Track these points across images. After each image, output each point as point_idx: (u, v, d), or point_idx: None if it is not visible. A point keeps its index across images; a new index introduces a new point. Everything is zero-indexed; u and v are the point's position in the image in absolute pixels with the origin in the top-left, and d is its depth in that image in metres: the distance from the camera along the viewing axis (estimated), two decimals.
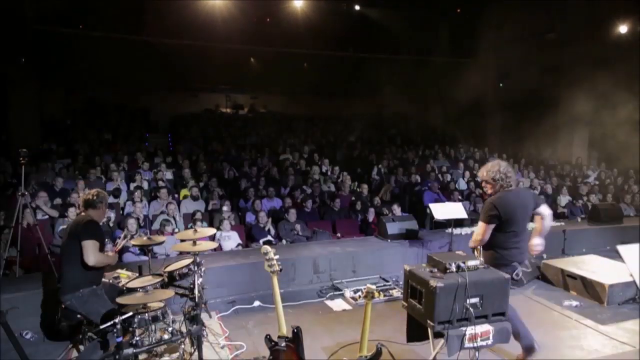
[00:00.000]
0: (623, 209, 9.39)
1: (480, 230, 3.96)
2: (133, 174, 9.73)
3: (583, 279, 5.87)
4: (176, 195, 9.09)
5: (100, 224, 4.22)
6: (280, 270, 3.66)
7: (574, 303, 5.61)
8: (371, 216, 8.58)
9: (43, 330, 4.71)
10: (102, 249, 4.03)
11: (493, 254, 3.97)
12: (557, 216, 9.54)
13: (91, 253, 3.83)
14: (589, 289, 5.77)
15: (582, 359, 4.33)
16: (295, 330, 3.60)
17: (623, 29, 13.44)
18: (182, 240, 4.95)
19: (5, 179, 9.16)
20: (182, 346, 3.87)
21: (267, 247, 3.73)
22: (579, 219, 9.06)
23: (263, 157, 12.03)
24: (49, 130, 13.15)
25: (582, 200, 10.32)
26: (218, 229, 7.13)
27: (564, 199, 10.50)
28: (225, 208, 7.99)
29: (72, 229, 4.00)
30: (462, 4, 17.33)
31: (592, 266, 6.25)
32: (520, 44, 16.40)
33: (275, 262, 3.65)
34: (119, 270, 4.68)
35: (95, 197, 4.06)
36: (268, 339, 3.65)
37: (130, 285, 4.08)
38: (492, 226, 3.89)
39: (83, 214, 4.09)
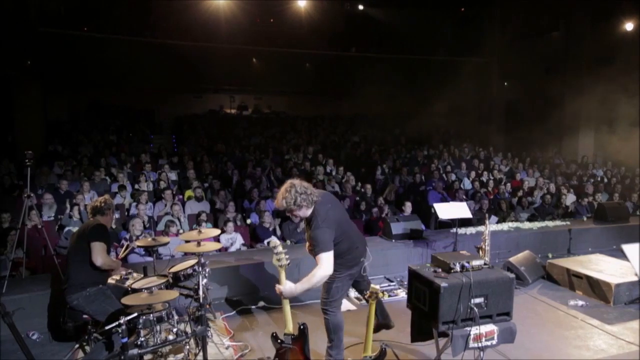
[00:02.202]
0: (630, 208, 9.33)
1: (330, 261, 3.49)
2: (138, 175, 9.78)
3: (589, 279, 5.83)
4: (180, 196, 9.11)
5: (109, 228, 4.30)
6: (288, 264, 3.61)
7: (580, 303, 5.58)
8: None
9: (50, 331, 4.75)
10: (108, 252, 4.11)
11: (345, 259, 3.69)
12: (562, 215, 9.52)
13: (99, 254, 3.92)
14: (595, 289, 5.73)
15: (588, 359, 4.31)
16: (302, 327, 3.59)
17: (629, 26, 13.35)
18: (186, 241, 4.96)
19: (12, 180, 9.22)
20: (187, 347, 3.89)
21: (276, 241, 3.68)
22: (585, 218, 9.00)
23: (267, 158, 12.05)
24: (54, 132, 13.23)
25: (588, 199, 10.27)
26: (222, 230, 7.13)
27: (569, 198, 10.44)
28: (230, 209, 8.01)
29: (81, 231, 4.12)
30: (466, 3, 17.30)
31: (598, 265, 6.21)
32: (525, 43, 16.36)
33: (283, 256, 3.58)
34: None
35: (103, 204, 4.20)
36: (274, 336, 3.65)
37: (135, 286, 4.11)
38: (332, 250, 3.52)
39: (91, 219, 4.19)
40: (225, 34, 15.01)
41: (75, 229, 5.89)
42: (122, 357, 3.25)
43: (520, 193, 10.35)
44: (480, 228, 7.07)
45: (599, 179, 12.39)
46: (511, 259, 6.36)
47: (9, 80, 12.22)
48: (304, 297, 5.76)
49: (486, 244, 5.74)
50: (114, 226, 7.14)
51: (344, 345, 3.79)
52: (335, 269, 3.59)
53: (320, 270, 3.45)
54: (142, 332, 3.58)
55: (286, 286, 3.51)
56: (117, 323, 3.25)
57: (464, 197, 9.78)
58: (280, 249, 3.58)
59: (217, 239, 6.52)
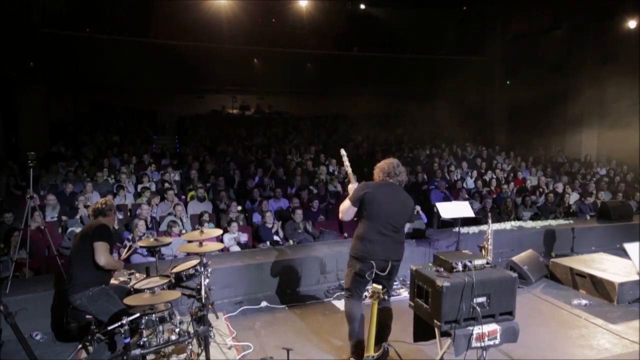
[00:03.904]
0: (633, 207, 9.28)
1: (345, 208, 4.02)
2: (140, 175, 9.79)
3: (592, 278, 5.82)
4: (183, 197, 9.13)
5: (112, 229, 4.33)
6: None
7: (584, 302, 5.57)
8: None
9: (53, 331, 4.76)
10: (111, 252, 4.13)
11: (356, 244, 3.95)
12: (565, 214, 9.49)
13: (102, 254, 3.95)
14: (599, 288, 5.71)
15: (592, 359, 4.29)
16: None
17: (632, 24, 13.28)
18: (188, 242, 4.97)
19: (17, 181, 9.25)
20: (190, 347, 3.89)
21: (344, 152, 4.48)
22: (588, 217, 8.97)
23: (269, 158, 12.05)
24: (57, 133, 13.27)
25: (591, 197, 10.23)
26: (225, 230, 7.14)
27: (572, 197, 10.40)
28: (232, 209, 8.01)
29: (84, 232, 4.15)
30: (468, 3, 17.28)
31: (601, 264, 6.19)
32: (527, 41, 16.32)
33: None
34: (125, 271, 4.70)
35: (104, 206, 4.24)
36: None
37: (137, 286, 4.12)
38: (354, 208, 3.94)
39: (94, 220, 4.22)
40: (227, 34, 15.02)
41: (78, 230, 5.91)
42: (125, 357, 3.26)
43: (526, 193, 10.31)
44: (483, 227, 7.05)
45: (602, 177, 12.34)
46: (514, 258, 6.35)
47: (12, 82, 12.25)
48: (307, 298, 5.80)
49: (489, 243, 5.72)
50: (116, 227, 7.17)
51: (356, 337, 3.94)
52: (349, 251, 3.99)
53: (341, 208, 4.06)
54: (145, 333, 3.59)
55: (353, 185, 4.28)
56: (119, 323, 3.26)
57: (467, 196, 9.75)
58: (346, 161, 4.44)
59: (219, 239, 6.52)
